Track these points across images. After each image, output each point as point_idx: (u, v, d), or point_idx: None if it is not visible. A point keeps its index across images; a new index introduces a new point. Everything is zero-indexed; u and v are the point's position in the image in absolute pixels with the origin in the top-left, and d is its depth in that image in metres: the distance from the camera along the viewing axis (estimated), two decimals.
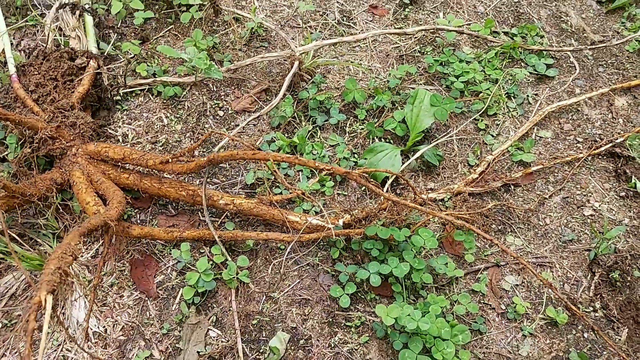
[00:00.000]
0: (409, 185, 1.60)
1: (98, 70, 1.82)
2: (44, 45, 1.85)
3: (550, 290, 1.67)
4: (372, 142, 1.98)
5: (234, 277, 1.60)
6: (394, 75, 2.11)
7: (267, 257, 1.71)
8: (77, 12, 1.84)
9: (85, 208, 1.56)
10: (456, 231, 1.70)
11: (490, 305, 1.67)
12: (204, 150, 1.89)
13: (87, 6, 1.87)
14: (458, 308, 1.59)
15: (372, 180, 1.55)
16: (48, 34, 1.85)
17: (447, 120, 1.99)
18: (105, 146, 1.67)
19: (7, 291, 1.54)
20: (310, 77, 2.08)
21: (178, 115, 1.97)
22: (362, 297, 1.65)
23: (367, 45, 2.27)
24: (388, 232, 1.58)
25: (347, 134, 2.00)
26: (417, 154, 1.88)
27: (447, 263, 1.66)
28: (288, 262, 1.71)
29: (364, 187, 1.87)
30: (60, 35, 1.90)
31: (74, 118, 1.68)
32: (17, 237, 1.53)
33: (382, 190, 1.50)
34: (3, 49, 1.93)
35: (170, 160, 1.60)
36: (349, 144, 1.97)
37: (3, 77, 1.81)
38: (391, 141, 1.99)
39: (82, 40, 1.86)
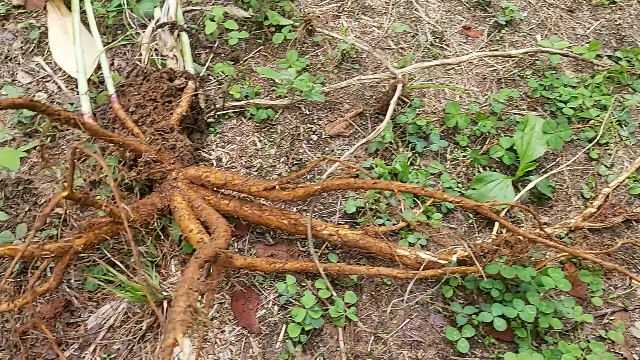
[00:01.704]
0: (536, 220, 1.46)
1: (195, 92, 1.75)
2: (142, 65, 1.79)
3: None
4: (475, 171, 1.85)
5: (341, 315, 1.49)
6: (496, 99, 1.98)
7: (373, 293, 1.59)
8: (176, 32, 1.79)
9: (188, 236, 1.47)
10: (581, 271, 1.55)
11: (622, 354, 1.51)
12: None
13: (186, 26, 1.82)
14: (591, 358, 1.43)
15: (503, 216, 1.42)
16: (146, 54, 1.79)
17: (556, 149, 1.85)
18: (206, 171, 1.59)
19: (105, 322, 1.46)
20: (407, 101, 1.97)
21: (271, 139, 1.88)
22: (479, 341, 1.51)
23: (462, 68, 2.16)
24: (513, 272, 1.44)
25: (448, 162, 1.88)
26: (531, 185, 1.74)
27: (574, 307, 1.50)
28: (395, 299, 1.58)
29: (471, 220, 1.74)
30: (156, 55, 1.84)
31: (173, 141, 1.61)
32: (121, 266, 1.45)
33: (516, 228, 1.37)
34: (96, 69, 1.89)
35: (276, 187, 1.50)
36: (452, 173, 1.84)
37: (99, 97, 1.76)
38: (497, 170, 1.86)
39: (178, 61, 1.80)
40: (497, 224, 1.70)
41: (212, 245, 1.31)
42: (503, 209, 1.71)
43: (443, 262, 1.53)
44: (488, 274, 1.48)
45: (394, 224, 1.69)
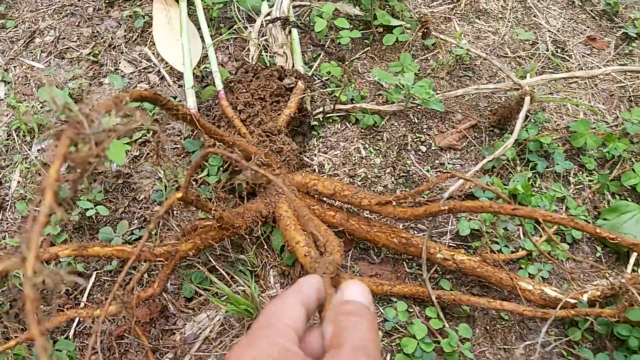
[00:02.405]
0: None
1: (304, 93, 1.64)
2: (251, 60, 1.71)
3: None
4: (602, 198, 1.66)
5: (455, 350, 1.34)
6: (629, 119, 1.78)
7: (487, 327, 1.43)
8: (288, 28, 1.69)
9: (294, 248, 1.36)
10: None
11: None
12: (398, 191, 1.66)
13: (299, 22, 1.72)
14: None
15: None
16: (255, 49, 1.70)
17: None
18: (314, 178, 1.48)
19: (201, 332, 1.37)
20: (528, 115, 1.80)
21: (377, 147, 1.75)
22: None
23: (586, 83, 1.96)
24: None
25: (571, 186, 1.69)
26: None
27: None
28: (512, 336, 1.42)
29: (599, 253, 1.55)
30: (264, 52, 1.75)
31: (280, 143, 1.51)
32: (224, 274, 1.36)
33: None
34: (198, 63, 1.82)
35: (392, 203, 1.37)
36: (576, 198, 1.66)
37: (204, 93, 1.69)
38: (628, 199, 1.66)
39: (288, 59, 1.69)
40: (631, 261, 1.51)
41: (330, 260, 1.19)
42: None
43: (573, 301, 1.36)
44: (626, 318, 1.30)
45: (512, 252, 1.53)
